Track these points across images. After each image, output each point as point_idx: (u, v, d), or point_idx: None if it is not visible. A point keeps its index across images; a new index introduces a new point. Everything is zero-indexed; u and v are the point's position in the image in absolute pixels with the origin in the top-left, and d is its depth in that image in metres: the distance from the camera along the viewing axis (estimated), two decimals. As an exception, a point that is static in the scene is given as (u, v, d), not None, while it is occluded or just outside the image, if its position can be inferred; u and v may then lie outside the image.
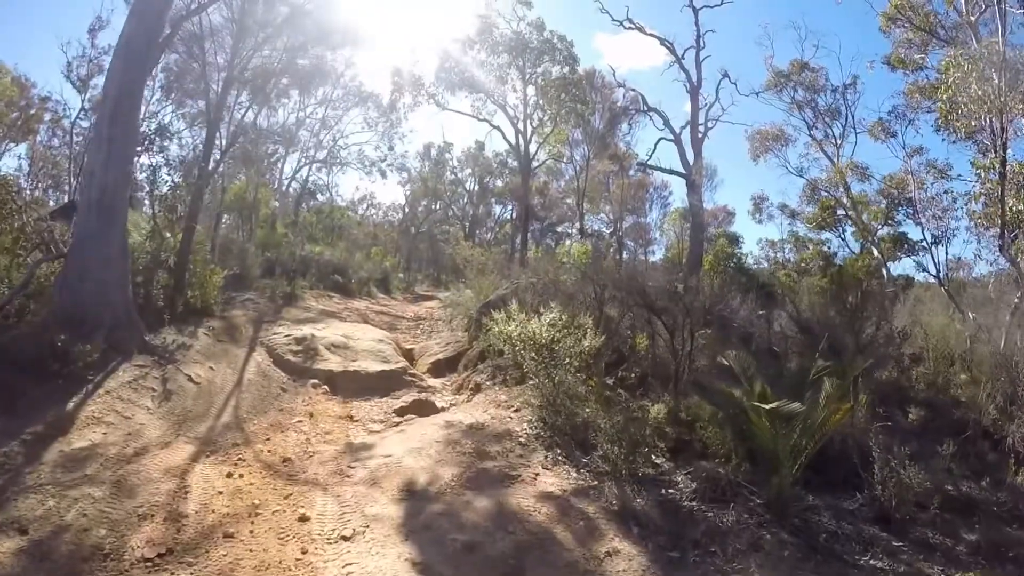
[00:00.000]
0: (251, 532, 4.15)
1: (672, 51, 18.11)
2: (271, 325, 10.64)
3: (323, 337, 9.99)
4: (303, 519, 4.28)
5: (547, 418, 6.59)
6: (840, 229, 21.89)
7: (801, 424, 5.43)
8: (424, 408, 7.73)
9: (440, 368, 10.39)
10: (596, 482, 5.22)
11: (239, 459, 5.73)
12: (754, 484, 6.04)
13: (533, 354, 7.19)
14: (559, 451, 5.82)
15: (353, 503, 4.52)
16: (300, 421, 7.15)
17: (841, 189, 20.85)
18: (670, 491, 5.74)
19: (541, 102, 18.44)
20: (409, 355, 11.10)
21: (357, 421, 7.39)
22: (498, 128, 18.69)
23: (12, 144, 26.88)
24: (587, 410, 6.75)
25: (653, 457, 6.23)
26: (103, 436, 5.90)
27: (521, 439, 6.02)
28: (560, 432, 6.25)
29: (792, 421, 5.25)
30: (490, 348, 9.36)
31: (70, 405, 6.25)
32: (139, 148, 9.34)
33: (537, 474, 5.15)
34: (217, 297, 10.39)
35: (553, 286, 10.15)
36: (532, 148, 18.88)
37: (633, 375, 8.97)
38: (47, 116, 26.43)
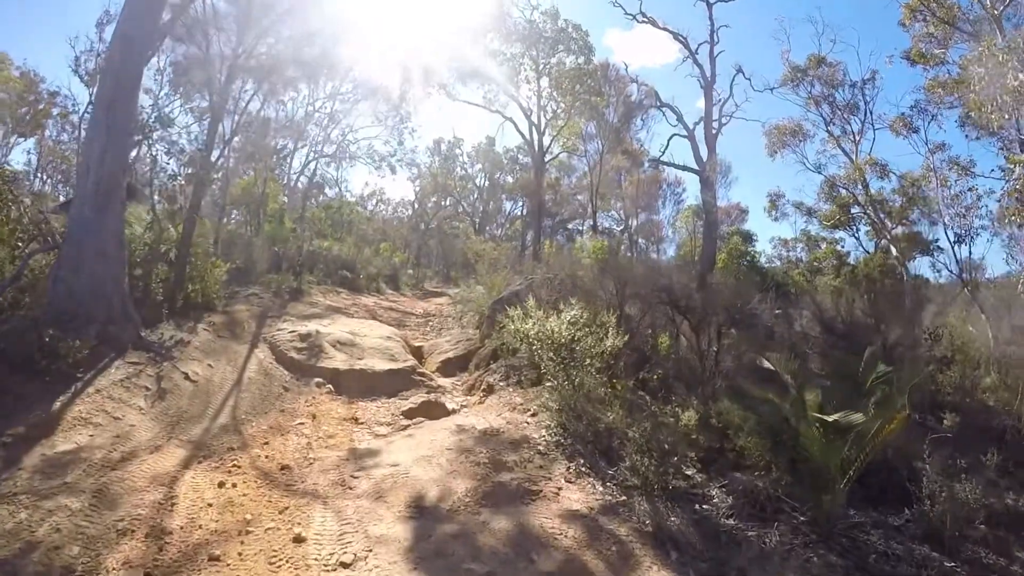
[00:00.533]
0: (239, 554, 3.68)
1: (686, 45, 17.50)
2: (275, 321, 10.21)
3: (328, 334, 9.54)
4: (298, 540, 3.79)
5: (567, 424, 6.08)
6: (854, 228, 21.39)
7: (853, 435, 4.89)
8: (434, 410, 7.25)
9: (450, 367, 9.91)
10: (625, 497, 4.70)
11: (234, 466, 5.27)
12: (794, 498, 5.52)
13: (551, 354, 6.68)
14: (582, 461, 5.30)
15: (355, 520, 4.03)
16: (302, 423, 6.68)
17: (860, 186, 20.36)
18: (705, 507, 5.22)
19: (555, 93, 17.92)
20: (418, 353, 10.63)
21: (362, 424, 6.91)
22: (511, 120, 18.20)
23: (21, 139, 26.74)
24: (610, 415, 6.24)
25: (683, 468, 5.71)
26: (89, 439, 5.47)
27: (540, 447, 5.50)
28: (582, 439, 5.74)
29: (846, 432, 4.70)
30: (503, 347, 8.87)
31: (56, 405, 5.82)
32: (138, 137, 8.92)
33: (560, 488, 4.64)
34: (219, 291, 9.98)
35: (570, 282, 9.63)
36: (546, 141, 18.34)
37: (655, 377, 8.42)
38: (55, 111, 26.27)
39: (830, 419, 4.28)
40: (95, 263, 7.56)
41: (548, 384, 7.16)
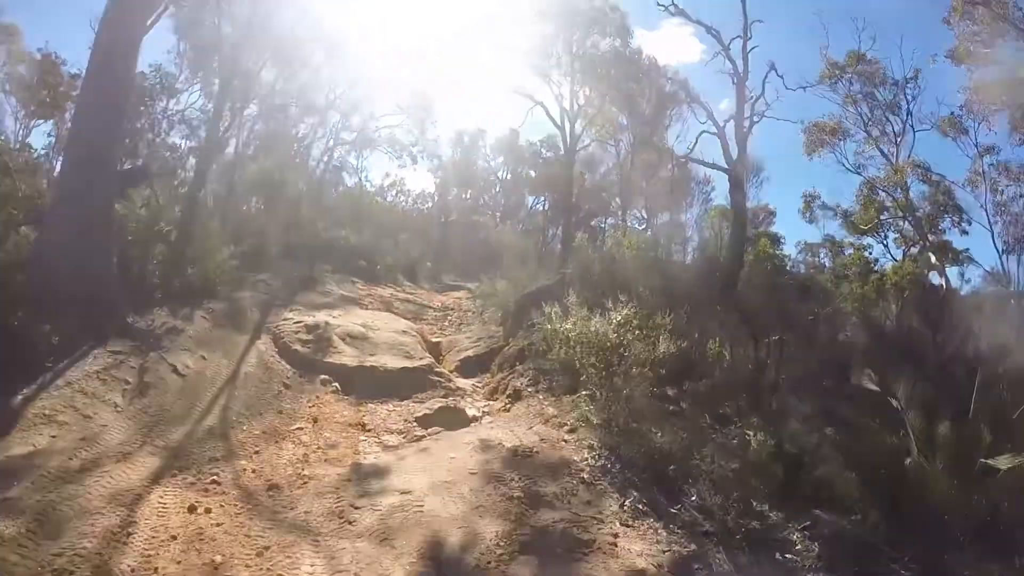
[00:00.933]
0: (195, 621, 2.76)
1: (718, 39, 16.36)
2: (282, 310, 9.34)
3: (338, 326, 8.64)
4: (275, 603, 2.86)
5: (613, 444, 5.08)
6: (883, 234, 20.48)
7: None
8: (452, 418, 6.29)
9: (470, 366, 8.95)
10: (695, 546, 3.70)
11: (212, 482, 4.38)
12: (894, 543, 4.49)
13: (594, 359, 5.68)
14: (636, 495, 4.30)
15: (353, 573, 3.08)
16: (300, 428, 5.78)
17: (899, 190, 19.32)
18: (788, 556, 4.20)
19: (588, 78, 16.89)
20: (435, 349, 9.70)
21: (370, 431, 5.99)
22: (541, 104, 17.10)
23: (41, 121, 26.35)
24: (661, 435, 5.22)
25: (754, 503, 4.69)
26: (51, 440, 4.64)
27: (584, 474, 4.51)
28: (633, 465, 4.74)
29: (988, 475, 3.66)
30: (531, 347, 7.91)
31: (18, 399, 5.00)
32: (140, 106, 8.10)
33: (616, 535, 3.64)
34: (223, 276, 9.14)
35: (608, 278, 8.58)
36: (577, 128, 17.30)
37: (704, 387, 7.40)
38: (75, 93, 25.77)
39: (1003, 466, 3.20)
40: (80, 240, 6.73)
41: (585, 392, 6.18)
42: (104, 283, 6.78)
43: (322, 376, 7.25)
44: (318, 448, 5.30)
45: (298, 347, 7.81)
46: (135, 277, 7.74)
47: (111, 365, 5.98)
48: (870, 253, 21.33)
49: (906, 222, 19.16)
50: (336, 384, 7.16)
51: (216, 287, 8.81)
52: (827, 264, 23.67)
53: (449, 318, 12.96)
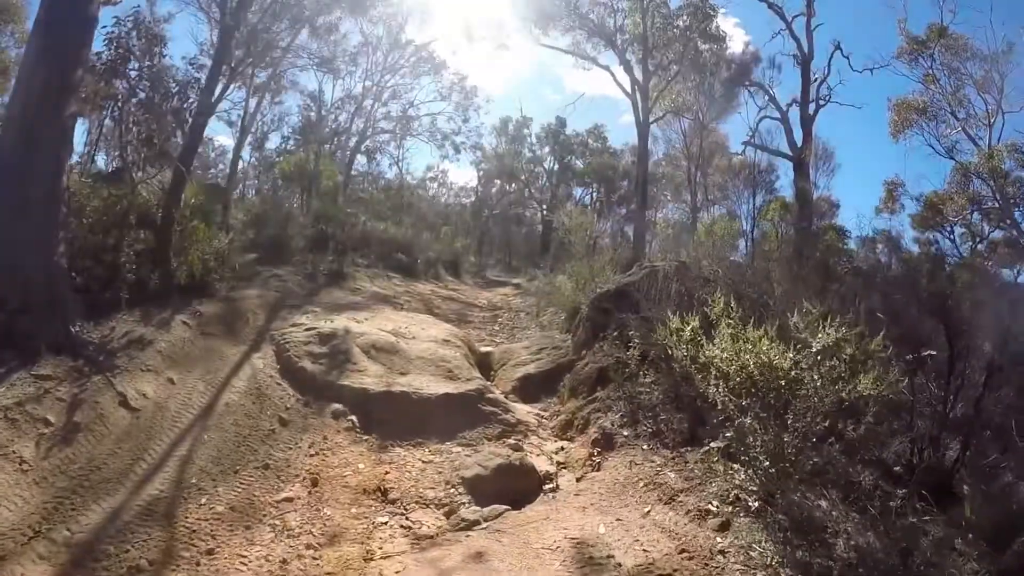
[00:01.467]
0: None
1: (782, 16, 14.58)
2: (293, 312, 7.46)
3: (362, 333, 6.69)
4: None
5: (802, 557, 2.88)
6: (948, 229, 18.21)
7: None
8: (518, 482, 4.21)
9: (532, 387, 6.85)
10: None
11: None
12: None
13: (750, 400, 3.47)
14: None
15: None
16: (289, 499, 3.82)
17: (992, 178, 17.02)
18: None
19: (660, 37, 14.43)
20: (486, 362, 7.65)
21: (394, 503, 3.97)
22: (606, 68, 14.73)
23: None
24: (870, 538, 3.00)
25: None
26: None
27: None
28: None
29: None
30: (620, 366, 5.74)
31: None
32: (103, 56, 6.33)
33: None
34: (222, 268, 7.36)
35: (716, 272, 6.30)
36: (648, 102, 14.85)
37: (858, 429, 5.01)
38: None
39: None
40: (13, 222, 5.00)
41: (717, 445, 4.00)
42: (43, 279, 5.00)
43: (335, 406, 5.28)
44: (309, 546, 3.30)
45: (307, 363, 5.88)
46: (103, 271, 5.97)
47: (31, 396, 4.18)
48: (936, 249, 19.42)
49: (1000, 210, 17.17)
50: (353, 418, 5.18)
51: (211, 283, 7.03)
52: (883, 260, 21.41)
53: (499, 320, 10.90)
